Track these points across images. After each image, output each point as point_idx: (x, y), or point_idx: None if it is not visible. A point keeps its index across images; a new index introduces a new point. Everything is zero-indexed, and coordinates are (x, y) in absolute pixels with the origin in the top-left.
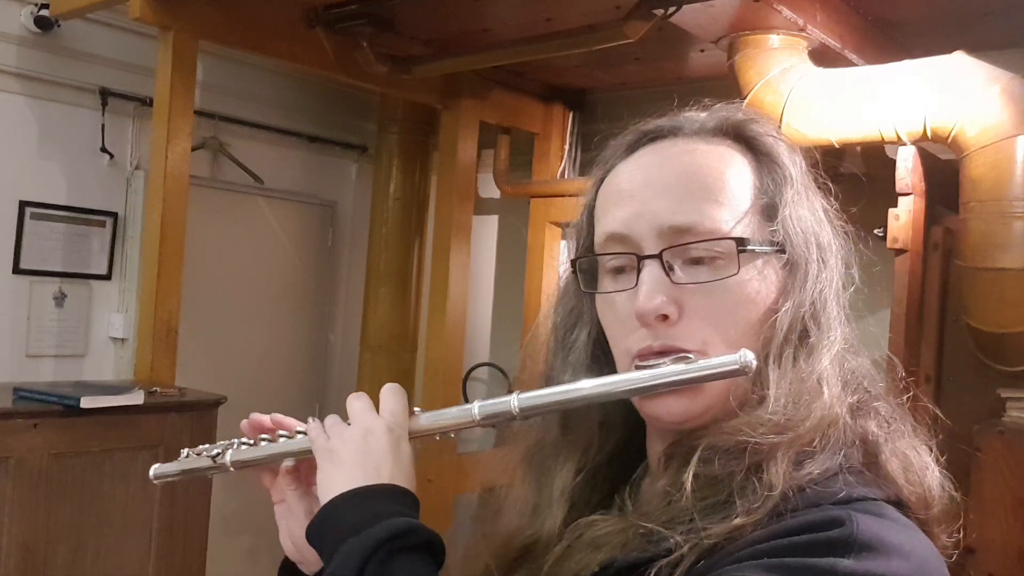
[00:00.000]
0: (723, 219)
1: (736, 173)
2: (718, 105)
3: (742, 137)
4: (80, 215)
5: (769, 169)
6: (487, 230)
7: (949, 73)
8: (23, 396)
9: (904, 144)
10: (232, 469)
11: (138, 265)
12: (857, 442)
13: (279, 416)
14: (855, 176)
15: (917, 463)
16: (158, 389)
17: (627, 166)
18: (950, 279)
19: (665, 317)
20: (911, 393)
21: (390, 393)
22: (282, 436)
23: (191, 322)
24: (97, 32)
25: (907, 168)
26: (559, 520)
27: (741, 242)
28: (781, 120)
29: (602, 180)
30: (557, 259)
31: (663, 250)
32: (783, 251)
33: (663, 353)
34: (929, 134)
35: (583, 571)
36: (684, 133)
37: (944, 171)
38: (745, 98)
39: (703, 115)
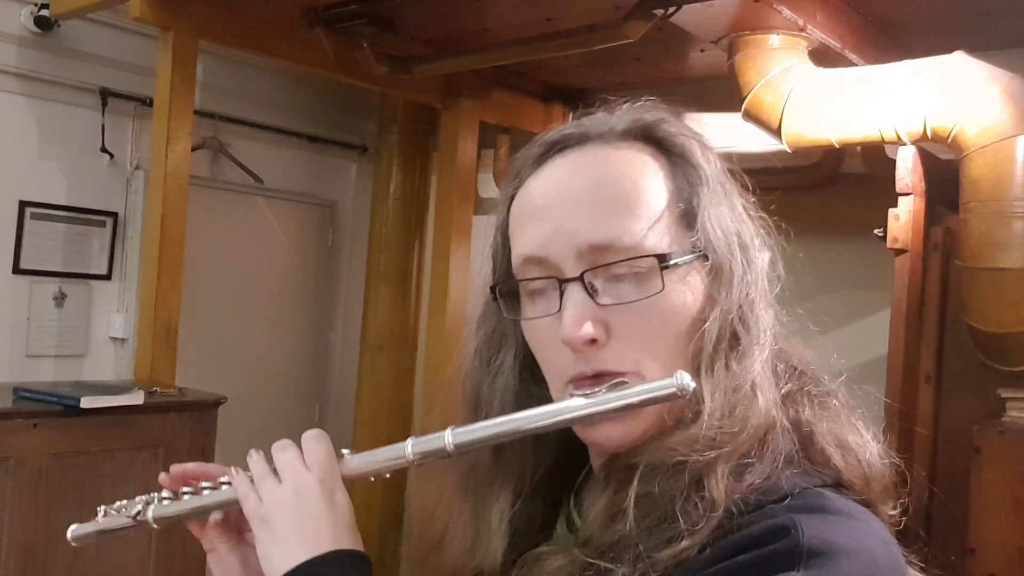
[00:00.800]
0: (641, 233)
1: (650, 180)
2: (626, 105)
3: (652, 138)
4: (80, 215)
5: (683, 171)
6: (487, 230)
7: (949, 73)
8: (23, 396)
9: (904, 144)
10: (155, 526)
11: (138, 265)
12: (791, 432)
13: (202, 464)
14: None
15: (854, 441)
16: (158, 389)
17: (537, 180)
18: (950, 279)
19: (594, 341)
20: (843, 376)
21: (312, 441)
22: (205, 488)
23: (191, 322)
24: (97, 32)
25: (907, 168)
26: (500, 552)
27: (663, 258)
28: (781, 120)
29: (512, 197)
30: None
31: (584, 272)
32: (706, 257)
33: (596, 377)
34: (929, 134)
35: None
36: (592, 140)
37: (944, 171)
38: (745, 98)
39: (612, 117)
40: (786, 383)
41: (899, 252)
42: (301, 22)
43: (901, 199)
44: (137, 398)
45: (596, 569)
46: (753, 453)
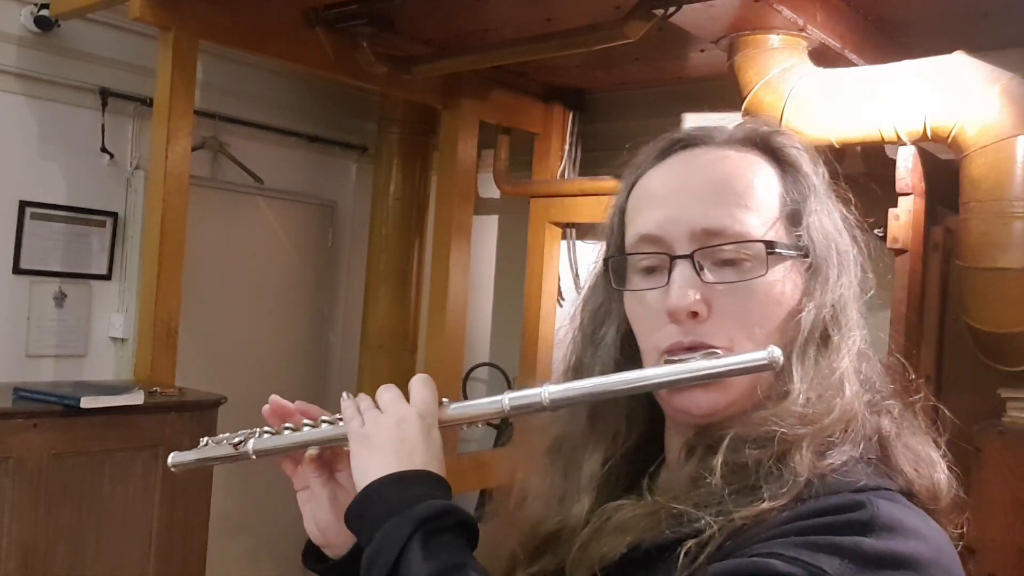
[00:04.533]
0: (752, 223)
1: (764, 181)
2: (746, 119)
3: (769, 148)
4: (80, 215)
5: (794, 179)
6: (487, 230)
7: (949, 73)
8: (23, 396)
9: (904, 144)
10: (254, 457)
11: (138, 265)
12: (872, 437)
13: (303, 404)
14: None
15: (926, 458)
16: (158, 389)
17: (660, 171)
18: (950, 279)
19: (695, 314)
20: (921, 394)
21: (420, 383)
22: (306, 425)
23: (191, 322)
24: (97, 32)
25: (907, 168)
26: (586, 507)
27: (770, 245)
28: (781, 120)
29: (634, 184)
30: (557, 259)
31: (695, 250)
32: (807, 255)
33: (692, 348)
34: (929, 134)
35: (610, 553)
36: (715, 142)
37: (944, 171)
38: (745, 98)
39: (731, 127)
40: (867, 393)
41: (899, 252)
42: (301, 22)
43: (901, 199)
44: (137, 398)
45: (678, 517)
46: (836, 437)
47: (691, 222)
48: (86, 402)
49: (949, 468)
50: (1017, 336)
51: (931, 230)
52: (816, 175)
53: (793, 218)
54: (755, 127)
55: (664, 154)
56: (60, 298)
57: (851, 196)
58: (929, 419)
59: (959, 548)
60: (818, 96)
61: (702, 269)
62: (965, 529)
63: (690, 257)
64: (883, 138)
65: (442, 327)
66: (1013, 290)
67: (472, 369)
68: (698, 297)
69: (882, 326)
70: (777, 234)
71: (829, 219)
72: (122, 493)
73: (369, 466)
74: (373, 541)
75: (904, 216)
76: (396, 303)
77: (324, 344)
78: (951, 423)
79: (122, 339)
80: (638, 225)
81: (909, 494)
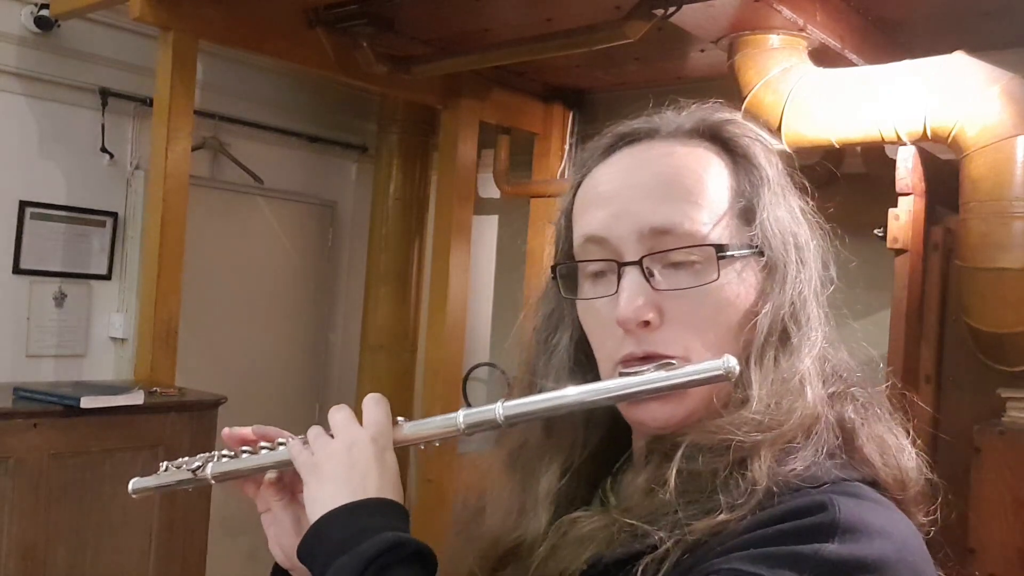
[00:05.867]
0: (702, 221)
1: (714, 175)
2: (694, 106)
3: (719, 139)
4: (80, 215)
5: (746, 171)
6: (487, 230)
7: (949, 73)
8: (23, 396)
9: (904, 144)
10: (213, 482)
11: (138, 265)
12: (835, 428)
13: (261, 427)
14: (849, 176)
15: (893, 445)
16: (158, 389)
17: (605, 168)
18: (950, 279)
19: (647, 323)
20: (889, 382)
21: (372, 403)
22: (264, 448)
23: (191, 322)
24: (97, 32)
25: (907, 168)
26: (544, 521)
27: (720, 248)
28: (781, 120)
29: (579, 183)
30: None
31: (643, 257)
32: (762, 253)
33: (646, 359)
34: (929, 134)
35: (569, 568)
36: (661, 135)
37: (944, 171)
38: (745, 98)
39: (680, 117)
40: (832, 385)
41: (899, 252)
42: (301, 22)
43: (901, 199)
44: (137, 398)
45: (633, 531)
46: (797, 442)
47: (638, 221)
48: (86, 402)
49: (918, 453)
50: (1017, 336)
51: (931, 230)
52: (770, 165)
53: (746, 214)
54: (704, 116)
55: (609, 151)
56: (60, 298)
57: (807, 185)
58: (899, 407)
59: (931, 534)
60: (818, 96)
61: (652, 275)
62: (938, 515)
63: (639, 264)
64: (883, 138)
65: (442, 327)
66: (1013, 290)
67: (472, 369)
68: (648, 306)
69: (882, 326)
70: (729, 232)
71: (785, 211)
72: (122, 493)
73: (320, 497)
74: None
75: (904, 216)
76: (396, 303)
77: (324, 344)
78: (950, 423)
79: (122, 339)
80: (583, 225)
81: (875, 484)
